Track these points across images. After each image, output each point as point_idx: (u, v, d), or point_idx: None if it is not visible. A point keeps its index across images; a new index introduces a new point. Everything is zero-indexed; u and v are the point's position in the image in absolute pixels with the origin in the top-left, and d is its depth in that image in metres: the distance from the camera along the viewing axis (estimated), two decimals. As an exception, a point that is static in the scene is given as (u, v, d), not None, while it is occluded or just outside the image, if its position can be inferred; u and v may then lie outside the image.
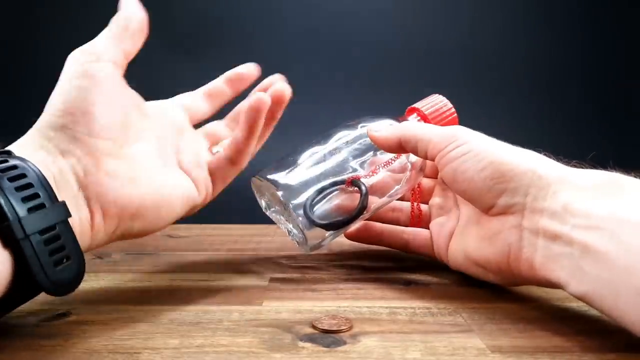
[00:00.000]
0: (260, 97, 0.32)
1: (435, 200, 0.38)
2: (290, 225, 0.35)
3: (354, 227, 0.38)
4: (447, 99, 0.39)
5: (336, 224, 0.34)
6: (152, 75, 0.65)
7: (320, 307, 0.29)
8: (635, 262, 0.22)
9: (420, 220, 0.39)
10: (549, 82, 0.69)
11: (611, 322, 0.27)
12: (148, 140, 0.31)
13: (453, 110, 0.39)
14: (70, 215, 0.24)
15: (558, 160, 0.29)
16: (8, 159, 0.23)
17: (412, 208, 0.40)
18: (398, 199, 0.40)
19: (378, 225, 0.39)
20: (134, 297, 0.31)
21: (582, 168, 0.28)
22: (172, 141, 0.33)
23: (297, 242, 0.36)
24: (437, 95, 0.39)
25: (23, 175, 0.23)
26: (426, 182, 0.41)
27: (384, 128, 0.35)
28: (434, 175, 0.41)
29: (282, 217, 0.36)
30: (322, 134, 0.37)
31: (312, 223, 0.33)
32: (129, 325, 0.26)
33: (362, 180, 0.34)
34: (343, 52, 0.68)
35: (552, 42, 0.69)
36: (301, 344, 0.24)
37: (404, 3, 0.68)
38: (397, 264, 0.39)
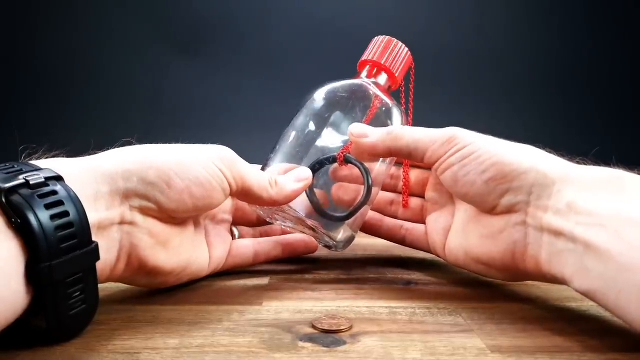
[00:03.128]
0: (313, 242, 0.38)
1: (430, 194, 0.38)
2: (307, 229, 0.34)
3: (368, 207, 0.37)
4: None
5: (353, 211, 0.33)
6: (151, 75, 0.65)
7: (320, 307, 0.29)
8: (638, 260, 0.22)
9: (407, 204, 0.39)
10: (552, 80, 0.69)
11: (612, 321, 0.27)
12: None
13: (406, 49, 0.37)
14: (99, 259, 0.24)
15: (560, 156, 0.29)
16: (55, 189, 0.22)
17: (404, 197, 0.39)
18: (396, 192, 0.39)
19: (380, 218, 0.39)
20: (133, 296, 0.31)
21: (586, 165, 0.28)
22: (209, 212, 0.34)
23: (326, 245, 0.35)
24: (381, 38, 0.37)
25: (66, 214, 0.22)
26: (419, 174, 0.40)
27: (370, 132, 0.33)
28: (427, 166, 0.40)
29: (290, 223, 0.35)
30: (289, 125, 0.35)
31: (331, 219, 0.32)
32: (129, 325, 0.26)
33: (351, 155, 0.33)
34: (343, 52, 0.68)
35: (555, 39, 0.69)
36: (301, 344, 0.24)
37: (404, 3, 0.68)
38: (397, 264, 0.39)
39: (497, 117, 0.64)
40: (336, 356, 0.23)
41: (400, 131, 0.32)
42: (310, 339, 0.25)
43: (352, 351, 0.24)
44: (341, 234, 0.34)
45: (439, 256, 0.36)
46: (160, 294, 0.31)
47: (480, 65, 0.67)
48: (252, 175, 0.31)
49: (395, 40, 0.37)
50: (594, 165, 0.28)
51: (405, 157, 0.33)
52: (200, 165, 0.29)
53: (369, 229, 0.39)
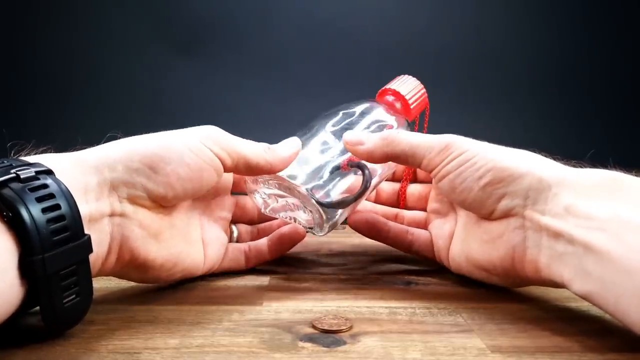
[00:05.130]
0: (299, 230, 0.36)
1: (433, 205, 0.38)
2: (301, 212, 0.34)
3: (363, 200, 0.38)
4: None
5: (349, 200, 0.33)
6: (151, 75, 0.65)
7: (320, 307, 0.29)
8: (638, 262, 0.22)
9: (404, 200, 0.41)
10: (552, 80, 0.69)
11: (611, 321, 0.27)
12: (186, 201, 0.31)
13: (424, 89, 0.41)
14: (91, 251, 0.24)
15: (555, 160, 0.29)
16: (46, 182, 0.23)
17: (401, 193, 0.41)
18: (403, 207, 0.40)
19: (386, 221, 0.38)
20: (134, 297, 0.31)
21: (582, 168, 0.28)
22: (204, 204, 0.34)
23: (310, 228, 0.35)
24: (406, 76, 0.41)
25: (57, 207, 0.22)
26: (421, 188, 0.40)
27: (365, 139, 0.33)
28: (428, 179, 0.40)
29: (287, 210, 0.35)
30: (303, 127, 0.37)
31: (329, 205, 0.33)
32: (129, 325, 0.26)
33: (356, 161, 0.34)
34: (343, 52, 0.68)
35: (555, 39, 0.69)
36: (301, 344, 0.24)
37: (404, 3, 0.68)
38: (397, 264, 0.39)
39: (497, 117, 0.64)
40: (336, 356, 0.23)
41: (396, 136, 0.32)
42: (310, 339, 0.25)
43: (352, 351, 0.24)
44: (337, 216, 0.34)
45: (443, 264, 0.36)
46: (160, 294, 0.31)
47: (480, 65, 0.67)
48: (245, 145, 0.31)
49: (420, 83, 0.41)
50: (590, 167, 0.28)
51: (403, 163, 0.33)
52: (186, 146, 0.28)
53: (376, 234, 0.38)
